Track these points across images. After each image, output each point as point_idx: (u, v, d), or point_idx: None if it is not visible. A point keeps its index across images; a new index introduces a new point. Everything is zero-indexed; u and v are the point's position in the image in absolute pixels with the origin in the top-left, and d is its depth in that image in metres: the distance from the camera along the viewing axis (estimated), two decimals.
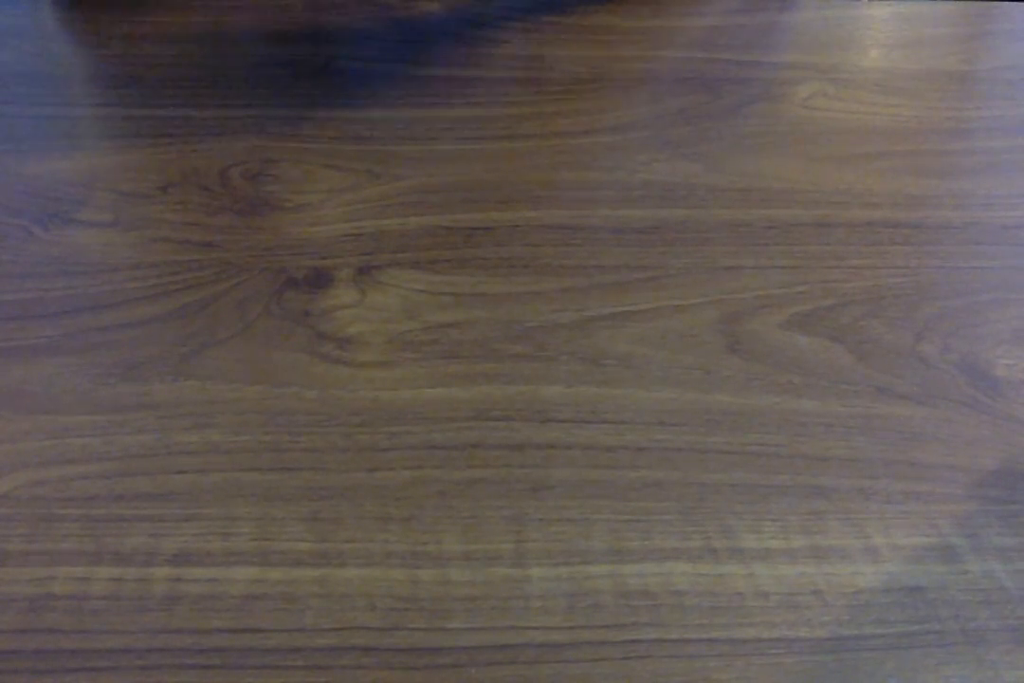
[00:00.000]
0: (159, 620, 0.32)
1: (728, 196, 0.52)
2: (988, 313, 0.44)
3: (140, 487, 0.36)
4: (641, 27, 0.69)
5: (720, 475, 0.37)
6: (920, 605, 0.33)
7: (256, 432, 0.39)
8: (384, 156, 0.55)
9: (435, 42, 0.68)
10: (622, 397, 0.40)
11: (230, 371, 0.41)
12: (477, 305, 0.45)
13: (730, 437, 0.38)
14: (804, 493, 0.36)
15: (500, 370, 0.41)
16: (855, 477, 0.37)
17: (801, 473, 0.37)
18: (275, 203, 0.51)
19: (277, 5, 0.72)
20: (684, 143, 0.56)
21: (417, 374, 0.41)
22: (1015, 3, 0.73)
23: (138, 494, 0.36)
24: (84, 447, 0.38)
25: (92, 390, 0.40)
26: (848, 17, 0.71)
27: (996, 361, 0.42)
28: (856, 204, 0.51)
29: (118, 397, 0.40)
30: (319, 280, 0.46)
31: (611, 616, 0.32)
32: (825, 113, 0.59)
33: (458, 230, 0.49)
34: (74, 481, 0.37)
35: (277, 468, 0.37)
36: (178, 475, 0.37)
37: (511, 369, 0.41)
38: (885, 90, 0.62)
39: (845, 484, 0.37)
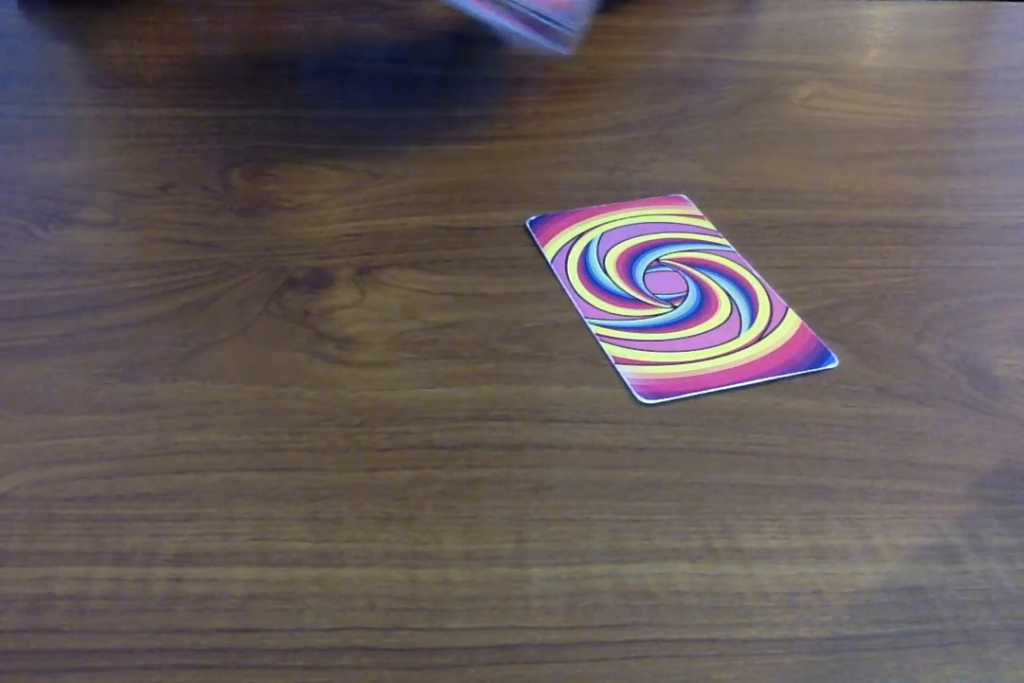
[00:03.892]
0: (159, 620, 0.32)
1: (728, 196, 0.52)
2: (988, 313, 0.44)
3: (140, 487, 0.36)
4: (641, 27, 0.69)
5: (720, 475, 0.37)
6: (920, 605, 0.33)
7: (256, 432, 0.39)
8: (384, 156, 0.55)
9: (435, 42, 0.68)
10: (622, 397, 0.40)
11: (230, 371, 0.41)
12: (477, 305, 0.45)
13: (730, 437, 0.38)
14: (804, 493, 0.36)
15: (500, 370, 0.41)
16: (855, 477, 0.37)
17: (801, 473, 0.37)
18: (275, 203, 0.51)
19: (277, 5, 0.72)
20: (684, 143, 0.56)
21: (417, 374, 0.41)
22: (1015, 3, 0.73)
23: (138, 494, 0.36)
24: (84, 447, 0.38)
25: (92, 390, 0.40)
26: (848, 17, 0.71)
27: (996, 361, 0.42)
28: (856, 204, 0.51)
29: (118, 397, 0.40)
30: (319, 280, 0.46)
31: (611, 616, 0.32)
32: (825, 113, 0.59)
33: (458, 230, 0.49)
34: (74, 481, 0.37)
35: (277, 468, 0.37)
36: (178, 475, 0.37)
37: (511, 369, 0.41)
38: (885, 90, 0.62)
39: (845, 484, 0.37)
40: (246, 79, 0.63)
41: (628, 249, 0.48)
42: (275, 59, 0.65)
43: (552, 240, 0.48)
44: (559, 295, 0.45)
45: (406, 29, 0.69)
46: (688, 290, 0.45)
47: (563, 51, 0.50)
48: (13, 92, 0.61)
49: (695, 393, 0.40)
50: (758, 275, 0.46)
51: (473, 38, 0.67)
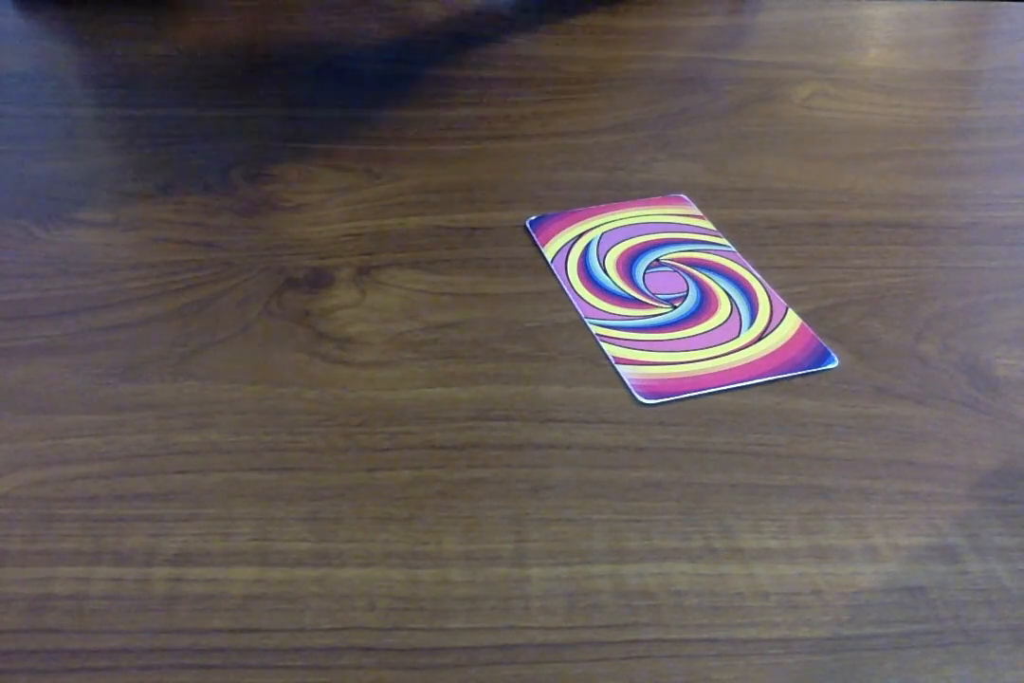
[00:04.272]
0: (159, 620, 0.32)
1: (728, 196, 0.52)
2: (988, 313, 0.44)
3: (140, 487, 0.36)
4: (641, 27, 0.69)
5: (720, 475, 0.37)
6: (920, 605, 0.33)
7: (256, 432, 0.39)
8: (384, 156, 0.55)
9: (435, 42, 0.68)
10: (622, 397, 0.40)
11: (230, 371, 0.41)
12: (477, 305, 0.45)
13: (730, 437, 0.38)
14: (804, 493, 0.36)
15: (500, 370, 0.41)
16: (855, 477, 0.37)
17: (801, 473, 0.37)
18: (275, 203, 0.51)
19: (277, 5, 0.72)
20: (684, 143, 0.56)
21: (417, 374, 0.41)
22: (1015, 3, 0.73)
23: (138, 494, 0.36)
24: (84, 447, 0.38)
25: (92, 390, 0.40)
26: (848, 17, 0.71)
27: (996, 361, 0.42)
28: (856, 204, 0.51)
29: (118, 397, 0.40)
30: (319, 280, 0.46)
31: (611, 616, 0.32)
32: (825, 113, 0.59)
33: (458, 230, 0.49)
34: (74, 481, 0.37)
35: (277, 468, 0.37)
36: (178, 475, 0.37)
37: (511, 369, 0.41)
38: (885, 90, 0.62)
39: (845, 484, 0.37)
40: (246, 79, 0.63)
41: (628, 249, 0.48)
42: (275, 59, 0.65)
43: (552, 240, 0.48)
44: (559, 295, 0.45)
45: (406, 29, 0.69)
46: (688, 290, 0.45)
47: None
48: (13, 92, 0.61)
49: (695, 393, 0.40)
50: (758, 275, 0.46)
51: (473, 38, 0.67)
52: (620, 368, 0.41)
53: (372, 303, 0.45)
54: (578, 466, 0.37)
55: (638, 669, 0.31)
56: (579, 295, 0.45)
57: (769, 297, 0.45)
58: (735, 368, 0.41)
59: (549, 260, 0.47)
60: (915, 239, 0.49)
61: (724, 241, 0.48)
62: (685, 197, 0.51)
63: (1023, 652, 0.32)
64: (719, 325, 0.43)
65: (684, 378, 0.41)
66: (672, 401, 0.40)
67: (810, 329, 0.43)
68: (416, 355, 0.42)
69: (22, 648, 0.31)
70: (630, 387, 0.40)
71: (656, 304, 0.44)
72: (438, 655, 0.31)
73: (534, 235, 0.48)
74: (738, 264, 0.47)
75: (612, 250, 0.47)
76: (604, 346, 0.42)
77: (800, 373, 0.41)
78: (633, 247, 0.48)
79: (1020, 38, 0.69)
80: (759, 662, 0.31)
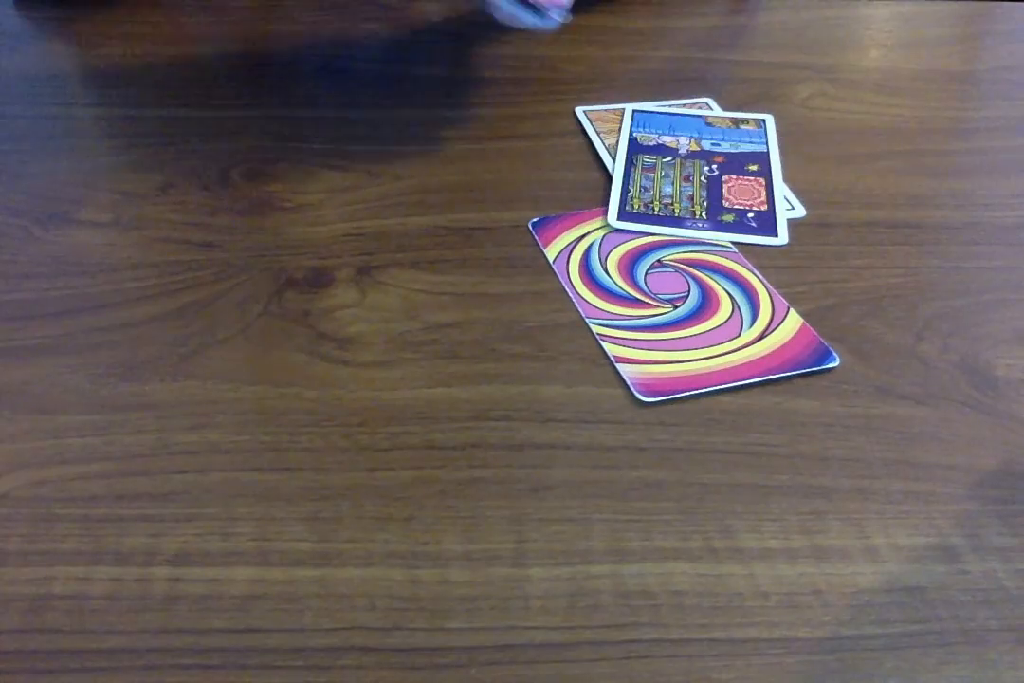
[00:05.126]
0: (159, 620, 0.32)
1: None
2: (988, 313, 0.44)
3: (140, 487, 0.36)
4: (641, 27, 0.69)
5: (720, 475, 0.37)
6: (920, 605, 0.33)
7: (256, 432, 0.39)
8: (384, 156, 0.55)
9: (435, 42, 0.67)
10: (622, 397, 0.40)
11: (230, 371, 0.41)
12: (477, 305, 0.45)
13: (730, 437, 0.38)
14: (804, 493, 0.36)
15: (500, 370, 0.41)
16: (855, 477, 0.37)
17: (801, 473, 0.37)
18: (275, 203, 0.51)
19: (276, 5, 0.72)
20: None
21: (417, 374, 0.41)
22: (1015, 3, 0.73)
23: (138, 494, 0.36)
24: (84, 447, 0.38)
25: (92, 390, 0.40)
26: (848, 17, 0.71)
27: (996, 361, 0.42)
28: (856, 204, 0.51)
29: (118, 397, 0.40)
30: (319, 280, 0.46)
31: (611, 616, 0.32)
32: (825, 113, 0.59)
33: (458, 230, 0.49)
34: (74, 481, 0.37)
35: (277, 468, 0.37)
36: (178, 475, 0.37)
37: (511, 369, 0.41)
38: (885, 90, 0.62)
39: (845, 484, 0.37)
40: (246, 79, 0.63)
41: (630, 250, 0.48)
42: (275, 59, 0.65)
43: (554, 241, 0.48)
44: (560, 295, 0.45)
45: (406, 29, 0.69)
46: (689, 290, 0.45)
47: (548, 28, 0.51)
48: (13, 92, 0.61)
49: (695, 391, 0.40)
50: (759, 275, 0.46)
51: (473, 38, 0.67)
52: (620, 367, 0.41)
53: (372, 303, 0.45)
54: (578, 466, 0.37)
55: (638, 669, 0.31)
56: (580, 295, 0.45)
57: (770, 297, 0.45)
58: (736, 366, 0.41)
59: (550, 260, 0.47)
60: (915, 239, 0.49)
61: (725, 241, 0.48)
62: None
63: (1023, 652, 0.32)
64: (720, 324, 0.43)
65: (685, 377, 0.41)
66: (672, 400, 0.40)
67: (811, 328, 0.43)
68: (416, 355, 0.42)
69: (22, 648, 0.31)
70: (630, 386, 0.40)
71: (657, 304, 0.44)
72: (438, 655, 0.31)
73: (536, 236, 0.48)
74: (739, 264, 0.47)
75: (614, 251, 0.47)
76: (604, 345, 0.42)
77: (801, 371, 0.41)
78: (635, 248, 0.48)
79: (1020, 38, 0.69)
80: (759, 662, 0.31)
